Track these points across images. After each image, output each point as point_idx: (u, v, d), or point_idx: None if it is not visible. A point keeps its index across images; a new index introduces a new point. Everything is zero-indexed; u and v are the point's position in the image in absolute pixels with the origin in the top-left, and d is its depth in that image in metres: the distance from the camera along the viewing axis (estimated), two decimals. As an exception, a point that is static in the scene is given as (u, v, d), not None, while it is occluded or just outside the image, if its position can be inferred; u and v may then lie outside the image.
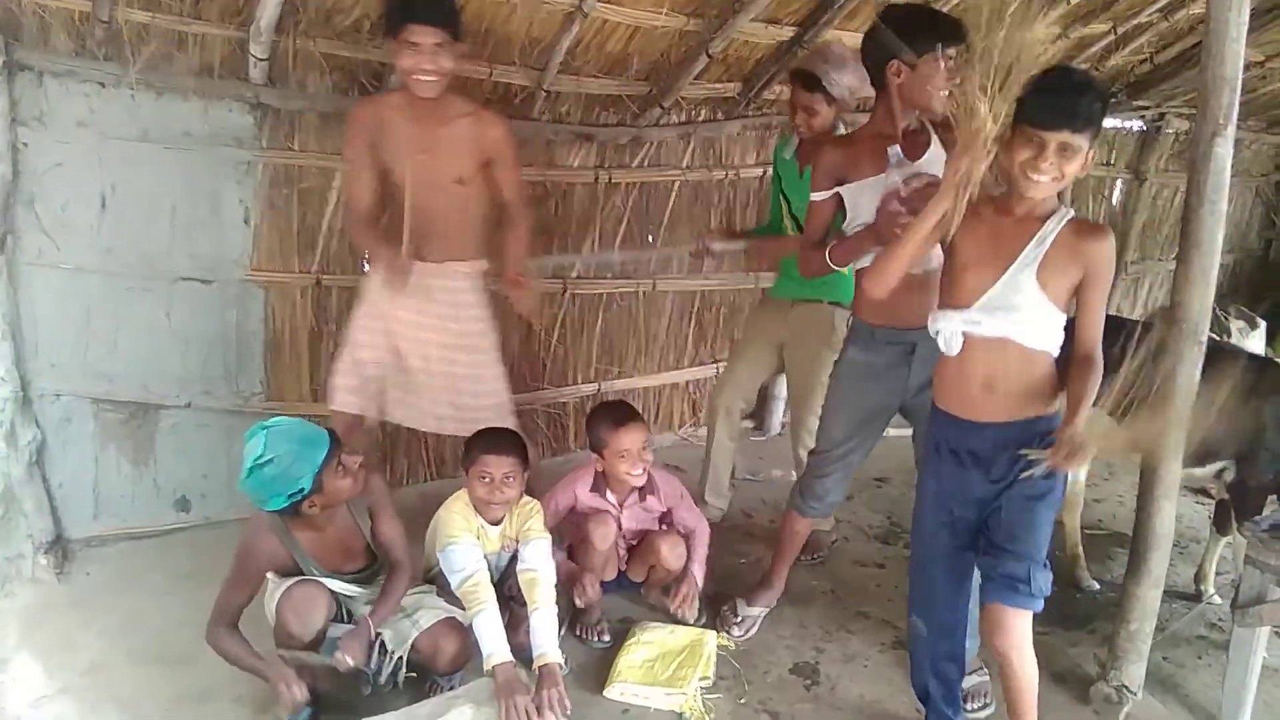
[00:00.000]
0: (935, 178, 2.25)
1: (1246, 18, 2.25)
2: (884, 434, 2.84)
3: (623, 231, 4.09)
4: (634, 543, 3.13)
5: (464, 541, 2.63)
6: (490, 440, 2.72)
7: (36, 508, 3.12)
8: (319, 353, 3.56)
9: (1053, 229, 2.01)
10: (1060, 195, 2.05)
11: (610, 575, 3.10)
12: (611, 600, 3.08)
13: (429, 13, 2.61)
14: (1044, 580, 2.12)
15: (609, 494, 3.03)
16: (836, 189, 2.65)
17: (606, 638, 2.92)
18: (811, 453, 2.94)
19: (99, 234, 3.10)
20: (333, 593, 2.46)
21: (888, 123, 2.57)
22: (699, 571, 3.03)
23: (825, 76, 3.06)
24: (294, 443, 2.29)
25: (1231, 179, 2.34)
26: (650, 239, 4.15)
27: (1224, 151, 2.28)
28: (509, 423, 2.98)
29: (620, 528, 3.05)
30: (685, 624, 2.98)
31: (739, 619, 3.01)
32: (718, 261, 4.21)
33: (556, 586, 2.68)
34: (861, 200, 2.58)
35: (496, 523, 2.74)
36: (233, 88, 3.11)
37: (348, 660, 2.34)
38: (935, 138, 2.54)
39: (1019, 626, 2.14)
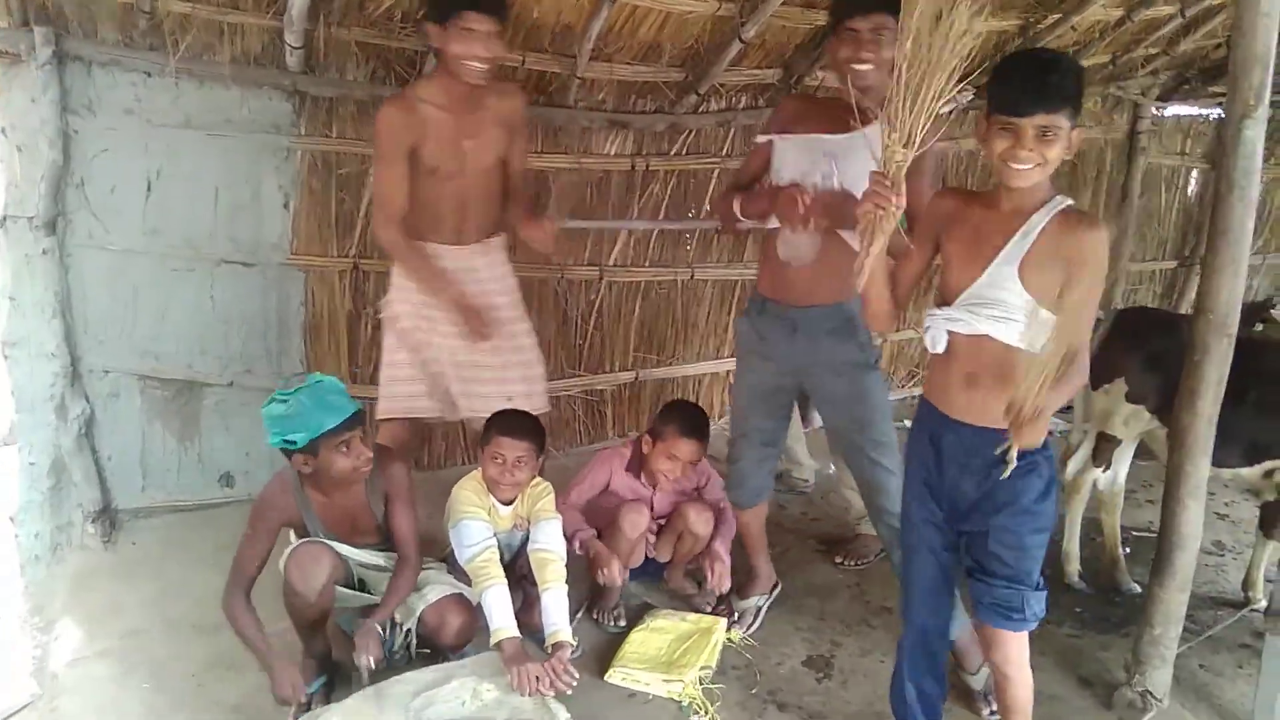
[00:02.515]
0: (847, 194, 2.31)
1: (1279, -10, 2.12)
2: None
3: (661, 219, 4.08)
4: (663, 521, 3.13)
5: (475, 517, 2.66)
6: (507, 423, 2.75)
7: (85, 478, 3.26)
8: (357, 335, 3.65)
9: (1040, 221, 1.90)
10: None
11: (637, 563, 3.10)
12: (631, 585, 3.09)
13: (489, 2, 2.63)
14: (1038, 604, 2.06)
15: (643, 476, 3.05)
16: (774, 136, 2.56)
17: (622, 622, 2.93)
18: (729, 438, 2.90)
19: (145, 217, 3.23)
20: (342, 557, 2.52)
21: (845, 93, 2.41)
22: (722, 547, 2.98)
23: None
24: (314, 402, 2.37)
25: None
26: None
27: (1254, 134, 2.16)
28: (542, 394, 3.05)
29: (652, 509, 3.05)
30: (700, 612, 2.97)
31: (736, 616, 2.98)
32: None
33: (581, 568, 2.69)
34: (788, 156, 2.51)
35: (508, 502, 2.77)
36: (271, 75, 3.21)
37: (369, 662, 2.39)
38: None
39: (1015, 644, 2.10)
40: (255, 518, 2.49)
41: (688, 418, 3.02)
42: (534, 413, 2.87)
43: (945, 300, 2.00)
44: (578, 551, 2.89)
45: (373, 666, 2.40)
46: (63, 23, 2.95)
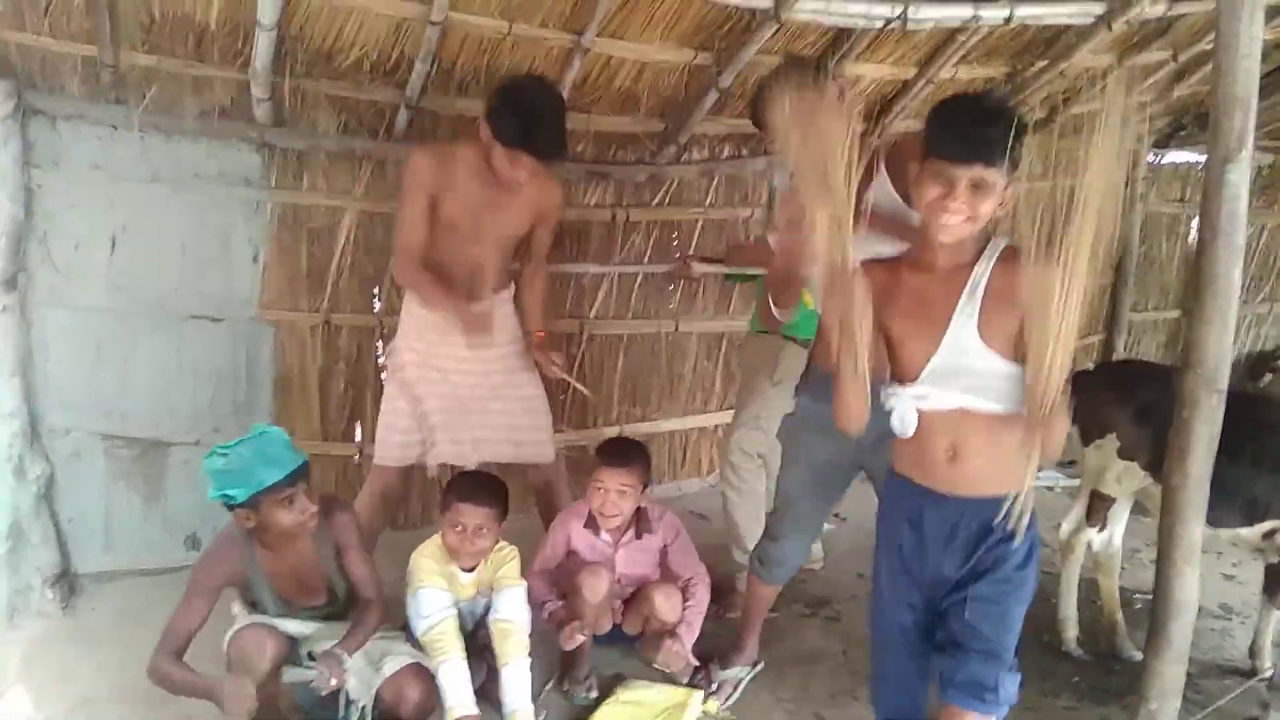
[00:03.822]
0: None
1: (1260, 31, 2.04)
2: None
3: (642, 272, 4.01)
4: (630, 590, 2.99)
5: (432, 587, 2.56)
6: (468, 488, 2.65)
7: (44, 541, 3.16)
8: (329, 391, 3.57)
9: (983, 271, 1.77)
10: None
11: (604, 630, 2.97)
12: (603, 653, 2.95)
13: (552, 151, 2.73)
14: (1012, 686, 1.89)
15: (603, 533, 2.92)
16: None
17: (594, 693, 2.79)
18: (770, 514, 2.78)
19: (110, 273, 3.17)
20: (289, 636, 2.40)
21: None
22: (686, 633, 2.82)
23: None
24: (255, 456, 2.28)
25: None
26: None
27: (1238, 178, 2.07)
28: (549, 441, 3.13)
29: (615, 571, 2.92)
30: (676, 683, 2.82)
31: (715, 686, 2.82)
32: (701, 283, 4.10)
33: (544, 634, 2.57)
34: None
35: (470, 569, 2.65)
36: (239, 128, 3.17)
37: (330, 680, 2.28)
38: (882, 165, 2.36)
39: None
40: (197, 574, 2.40)
41: (608, 446, 2.98)
42: (540, 461, 3.00)
43: (904, 377, 1.85)
44: (544, 622, 2.77)
45: (334, 686, 2.28)
46: (26, 77, 2.91)
